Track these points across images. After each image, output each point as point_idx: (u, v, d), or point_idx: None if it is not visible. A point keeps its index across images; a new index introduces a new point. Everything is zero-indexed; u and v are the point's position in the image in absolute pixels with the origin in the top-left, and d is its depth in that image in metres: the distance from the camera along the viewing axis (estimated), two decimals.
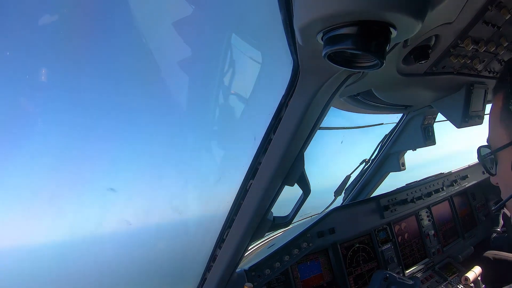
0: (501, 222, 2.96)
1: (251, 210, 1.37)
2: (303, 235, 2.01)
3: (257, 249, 2.29)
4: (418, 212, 2.62)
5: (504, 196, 0.96)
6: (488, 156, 0.98)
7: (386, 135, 2.59)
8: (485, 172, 1.06)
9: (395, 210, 2.42)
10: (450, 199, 2.89)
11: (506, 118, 0.88)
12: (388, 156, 2.63)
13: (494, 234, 2.91)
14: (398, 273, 2.26)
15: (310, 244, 2.01)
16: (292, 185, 1.36)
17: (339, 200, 2.80)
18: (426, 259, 2.55)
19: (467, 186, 2.98)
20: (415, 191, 2.60)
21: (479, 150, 1.01)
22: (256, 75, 1.23)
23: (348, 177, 2.72)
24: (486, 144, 0.99)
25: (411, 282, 1.77)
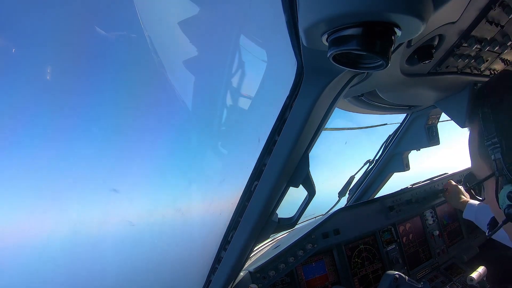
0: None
1: (256, 212, 1.37)
2: (307, 236, 2.01)
3: (262, 251, 2.29)
4: (423, 213, 2.61)
5: (497, 218, 1.05)
6: (473, 185, 1.11)
7: (390, 136, 2.58)
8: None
9: (400, 210, 2.41)
10: None
11: (484, 154, 0.96)
12: (392, 157, 2.62)
13: None
14: (403, 273, 2.26)
15: (315, 245, 2.01)
16: (297, 186, 1.36)
17: (343, 201, 2.80)
18: (431, 260, 2.54)
19: None
20: (420, 192, 2.59)
21: (464, 179, 1.14)
22: (260, 77, 1.24)
23: (352, 177, 2.71)
24: (470, 172, 1.10)
25: (420, 286, 1.75)
